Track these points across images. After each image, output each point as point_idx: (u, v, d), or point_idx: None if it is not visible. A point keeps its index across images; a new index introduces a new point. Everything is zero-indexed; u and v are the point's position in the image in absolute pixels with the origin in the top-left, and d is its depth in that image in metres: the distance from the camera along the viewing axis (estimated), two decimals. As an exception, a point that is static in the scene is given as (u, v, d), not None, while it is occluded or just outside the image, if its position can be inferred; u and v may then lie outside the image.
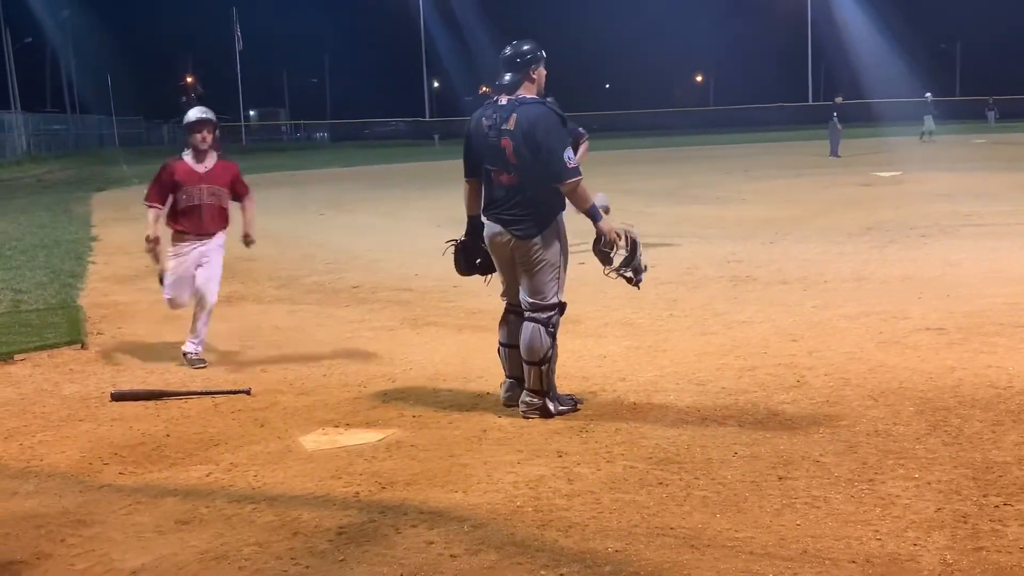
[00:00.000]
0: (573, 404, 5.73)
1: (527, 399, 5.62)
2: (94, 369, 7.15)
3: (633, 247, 5.75)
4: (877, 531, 3.91)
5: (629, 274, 5.80)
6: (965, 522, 3.97)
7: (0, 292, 10.41)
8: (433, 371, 6.76)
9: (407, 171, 34.85)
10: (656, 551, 3.80)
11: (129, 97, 78.91)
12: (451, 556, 3.82)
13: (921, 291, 8.89)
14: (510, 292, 5.81)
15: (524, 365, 5.63)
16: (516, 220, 5.52)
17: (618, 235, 5.65)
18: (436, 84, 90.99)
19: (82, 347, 7.79)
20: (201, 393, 6.32)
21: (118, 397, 6.29)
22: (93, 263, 12.86)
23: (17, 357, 7.45)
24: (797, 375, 6.23)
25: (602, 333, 7.77)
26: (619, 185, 23.79)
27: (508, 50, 5.60)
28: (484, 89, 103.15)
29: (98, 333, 8.36)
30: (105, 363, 7.32)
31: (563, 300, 5.66)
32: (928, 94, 38.42)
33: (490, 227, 5.67)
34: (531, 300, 5.58)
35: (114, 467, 5.06)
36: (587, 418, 5.53)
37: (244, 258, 13.20)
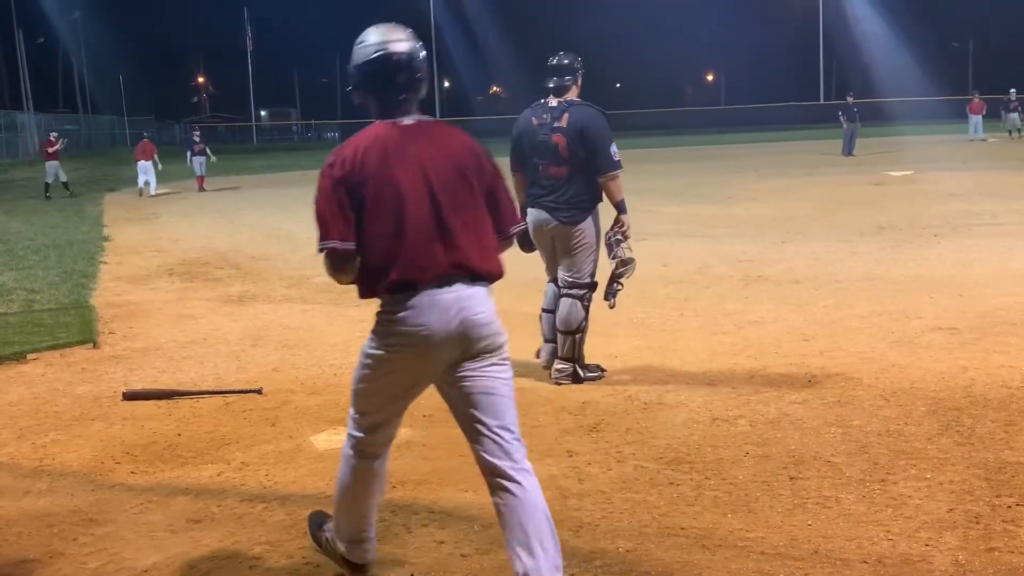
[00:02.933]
0: (600, 372, 6.38)
1: (559, 366, 6.29)
2: (106, 368, 7.18)
3: (629, 261, 6.38)
4: (889, 531, 3.89)
5: (620, 271, 6.38)
6: (977, 522, 3.96)
7: (13, 292, 10.45)
8: (444, 370, 6.75)
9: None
10: (667, 551, 3.80)
11: (141, 97, 79.27)
12: (462, 555, 3.83)
13: (933, 291, 8.86)
14: (551, 270, 6.51)
15: (559, 335, 6.31)
16: (561, 208, 6.18)
17: (628, 236, 6.33)
18: (447, 84, 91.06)
19: (94, 346, 7.82)
20: (213, 392, 6.33)
21: (130, 396, 6.32)
22: (105, 263, 12.91)
23: (30, 356, 7.48)
24: (808, 375, 6.21)
25: (612, 332, 7.75)
26: (630, 184, 23.69)
27: (555, 60, 6.34)
28: (495, 89, 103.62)
29: (110, 332, 8.38)
30: (117, 362, 7.34)
31: (595, 280, 6.32)
32: (1012, 90, 37.63)
33: (535, 214, 6.28)
34: (570, 279, 6.28)
35: (126, 466, 5.08)
36: (598, 418, 5.53)
37: (255, 258, 13.26)
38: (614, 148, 6.17)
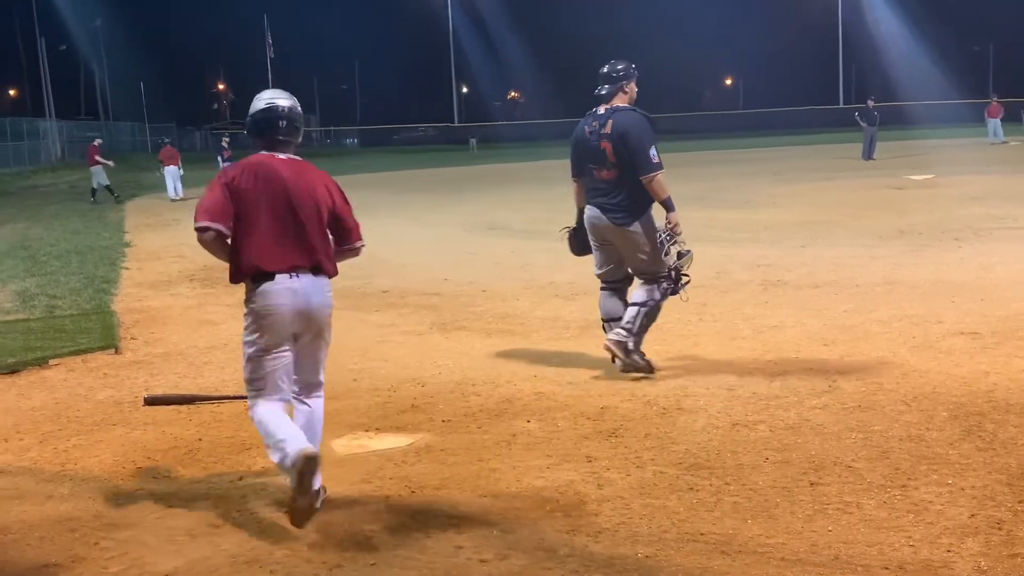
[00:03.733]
0: (649, 367, 6.50)
1: (617, 331, 6.47)
2: (127, 374, 7.22)
3: (685, 254, 6.63)
4: (910, 537, 3.87)
5: (679, 264, 6.60)
6: (1000, 528, 3.93)
7: (35, 297, 10.53)
8: (462, 376, 6.77)
9: (437, 176, 34.93)
10: (686, 557, 3.79)
11: (162, 104, 79.69)
12: (480, 561, 3.83)
13: (955, 295, 8.80)
14: (604, 271, 6.78)
15: (630, 307, 6.53)
16: (615, 209, 6.47)
17: (678, 232, 6.53)
18: (465, 89, 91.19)
19: (116, 352, 7.87)
20: (234, 398, 6.36)
21: (151, 402, 6.35)
22: (126, 269, 12.99)
23: (52, 362, 7.54)
24: (829, 380, 6.18)
25: (632, 338, 7.74)
26: (648, 189, 23.75)
27: (606, 67, 6.63)
28: (513, 94, 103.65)
29: (131, 338, 8.43)
30: (138, 368, 7.39)
31: (670, 268, 6.59)
32: None
33: (591, 211, 6.62)
34: (650, 276, 6.57)
35: (147, 471, 5.11)
36: (616, 423, 5.52)
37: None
38: (653, 151, 6.38)
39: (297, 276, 4.39)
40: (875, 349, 6.95)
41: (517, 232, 16.18)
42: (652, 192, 6.41)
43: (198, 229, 4.39)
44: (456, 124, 77.88)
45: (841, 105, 70.42)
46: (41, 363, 7.47)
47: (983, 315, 7.85)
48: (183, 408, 6.24)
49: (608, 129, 6.43)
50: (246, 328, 4.46)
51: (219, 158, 28.96)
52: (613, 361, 6.54)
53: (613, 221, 6.49)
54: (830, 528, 4.00)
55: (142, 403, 6.34)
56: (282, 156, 4.49)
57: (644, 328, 6.51)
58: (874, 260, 11.22)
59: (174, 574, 3.86)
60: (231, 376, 7.07)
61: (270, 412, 4.40)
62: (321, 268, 4.50)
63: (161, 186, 28.43)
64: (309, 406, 4.64)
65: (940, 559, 3.69)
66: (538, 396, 6.16)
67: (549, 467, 4.86)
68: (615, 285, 6.78)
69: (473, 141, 61.50)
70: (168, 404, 6.32)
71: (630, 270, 6.70)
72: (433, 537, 4.07)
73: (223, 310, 9.75)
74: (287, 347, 4.44)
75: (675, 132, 64.29)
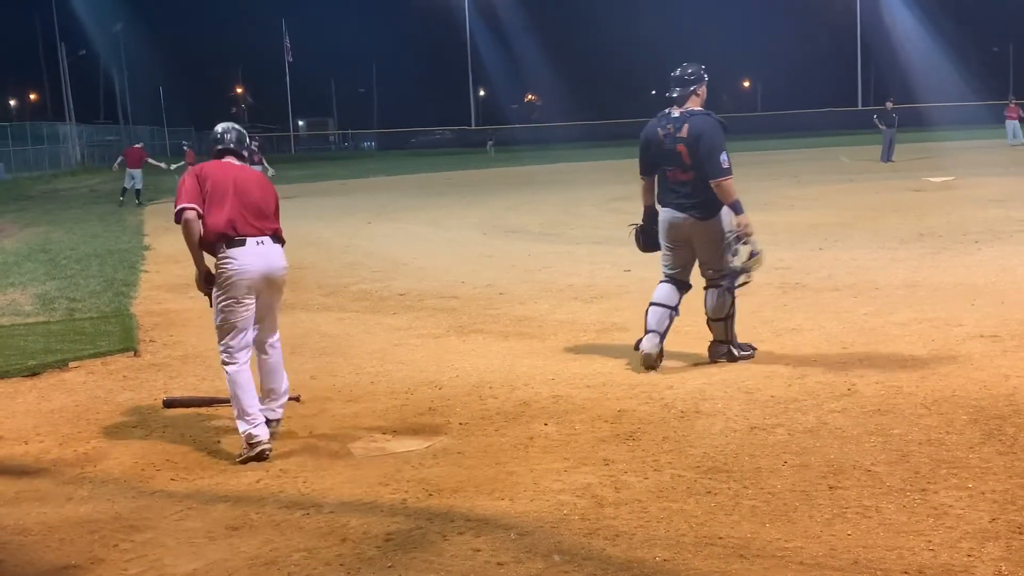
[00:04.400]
0: (752, 350, 6.96)
1: (716, 347, 6.92)
2: (147, 376, 7.26)
3: (756, 254, 6.83)
4: (930, 541, 3.85)
5: (747, 265, 6.81)
6: (1021, 533, 3.90)
7: (55, 300, 10.60)
8: (479, 378, 6.77)
9: (454, 179, 34.99)
10: (704, 561, 3.78)
11: (180, 108, 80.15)
12: (498, 564, 3.83)
13: (975, 298, 8.75)
14: (674, 272, 7.02)
15: (710, 323, 6.93)
16: (694, 207, 6.74)
17: (749, 233, 6.71)
18: (482, 93, 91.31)
19: (135, 355, 7.91)
20: None
21: (170, 404, 6.38)
22: (145, 272, 13.06)
23: (72, 364, 7.58)
24: (848, 383, 6.15)
25: (649, 340, 7.73)
26: (666, 192, 23.69)
27: (678, 71, 6.85)
28: (530, 97, 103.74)
29: (151, 341, 8.48)
30: (157, 370, 7.43)
31: (739, 269, 6.86)
32: None
33: (668, 213, 6.89)
34: (713, 273, 6.86)
35: (166, 473, 5.13)
36: (634, 426, 5.51)
37: (293, 267, 13.32)
38: (724, 156, 6.61)
39: (262, 242, 5.47)
40: (894, 352, 6.91)
41: (535, 235, 16.18)
42: (720, 195, 6.63)
43: (182, 210, 5.41)
44: (473, 127, 77.99)
45: (860, 107, 70.13)
46: (61, 365, 7.51)
47: (1003, 318, 7.80)
48: (202, 411, 6.26)
49: (684, 133, 6.67)
50: (219, 285, 5.43)
51: (252, 160, 29.06)
52: (646, 365, 6.76)
53: (693, 216, 6.76)
54: (849, 532, 3.98)
55: (161, 406, 6.37)
56: (236, 163, 5.78)
57: (732, 328, 6.93)
58: (893, 263, 11.16)
59: (193, 576, 3.88)
60: (249, 379, 7.09)
61: (248, 383, 5.42)
62: (279, 236, 5.63)
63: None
64: (270, 355, 5.75)
65: (960, 564, 3.66)
66: (555, 399, 6.16)
67: (566, 470, 4.86)
68: (678, 283, 7.03)
69: (491, 144, 61.37)
70: (187, 407, 6.35)
71: (700, 266, 6.94)
72: (450, 540, 4.07)
73: (241, 313, 9.78)
74: (252, 300, 5.46)
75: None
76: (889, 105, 33.12)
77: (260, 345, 5.70)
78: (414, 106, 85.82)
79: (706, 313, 6.93)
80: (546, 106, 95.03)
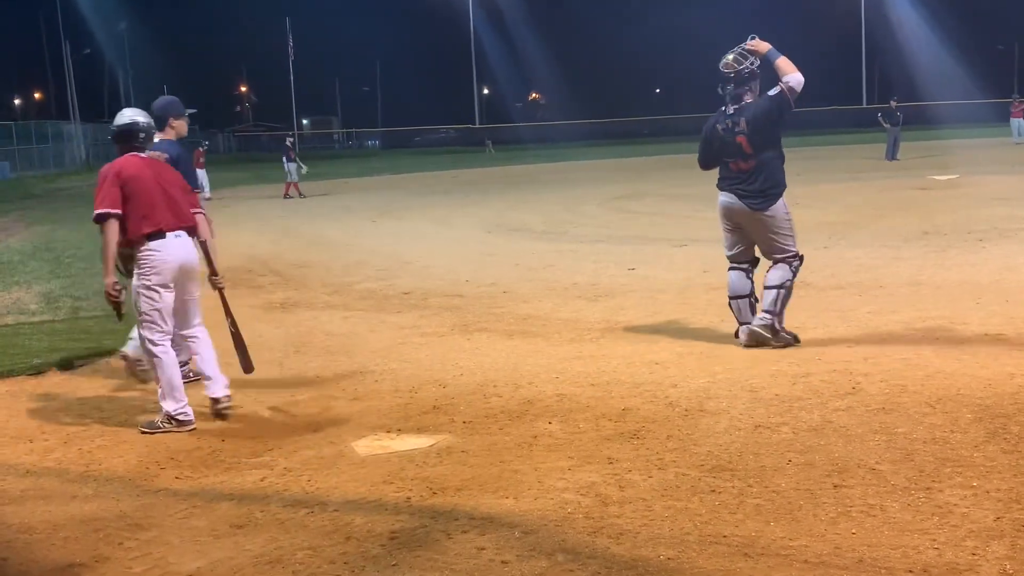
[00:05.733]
0: (794, 338, 7.20)
1: (761, 316, 7.20)
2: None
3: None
4: (934, 540, 3.84)
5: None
6: (1026, 532, 3.89)
7: (60, 299, 10.62)
8: (483, 377, 6.77)
9: (458, 178, 34.99)
10: (709, 559, 3.77)
11: (185, 106, 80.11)
12: (502, 562, 3.83)
13: (979, 296, 8.73)
14: (734, 252, 7.42)
15: (766, 291, 7.20)
16: (752, 195, 7.17)
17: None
18: (486, 91, 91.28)
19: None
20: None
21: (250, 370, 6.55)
22: (150, 270, 13.06)
23: (77, 363, 7.59)
24: (852, 381, 6.14)
25: (653, 339, 7.73)
26: (670, 190, 23.66)
27: (732, 72, 7.29)
28: (534, 95, 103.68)
29: (155, 339, 8.47)
30: (162, 369, 7.42)
31: (800, 253, 7.32)
32: None
33: (727, 197, 7.33)
34: (779, 257, 7.25)
35: (170, 471, 5.14)
36: (638, 424, 5.51)
37: (297, 265, 13.37)
38: (773, 90, 7.23)
39: (180, 235, 5.95)
40: (899, 350, 6.90)
41: (538, 233, 16.18)
42: (789, 71, 7.25)
43: (102, 216, 5.82)
44: (477, 126, 77.97)
45: (864, 105, 69.98)
46: (66, 365, 7.53)
47: (1008, 316, 7.78)
48: (206, 409, 6.27)
49: (743, 126, 7.19)
50: (142, 274, 5.87)
51: (284, 159, 29.17)
52: (747, 345, 7.18)
53: (750, 206, 7.17)
54: (854, 531, 3.97)
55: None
56: (144, 156, 6.10)
57: (783, 307, 7.20)
58: (898, 261, 11.15)
59: (197, 574, 3.88)
60: (254, 376, 7.10)
61: (175, 363, 5.94)
62: (194, 230, 6.11)
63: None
64: (198, 336, 6.19)
65: (965, 562, 3.66)
66: (560, 397, 6.16)
67: (571, 468, 4.86)
68: (743, 266, 7.40)
69: (489, 143, 61.60)
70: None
71: (761, 252, 7.35)
72: (454, 538, 4.07)
73: (246, 311, 9.79)
74: (171, 288, 5.92)
75: (698, 132, 64.09)
76: (894, 103, 33.08)
77: (184, 331, 6.16)
78: (418, 105, 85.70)
79: (765, 284, 7.28)
80: (550, 104, 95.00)
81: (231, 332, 6.50)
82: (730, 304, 7.45)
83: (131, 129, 6.13)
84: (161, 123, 6.96)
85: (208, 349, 6.18)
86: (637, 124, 74.82)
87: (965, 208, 16.38)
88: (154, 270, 5.84)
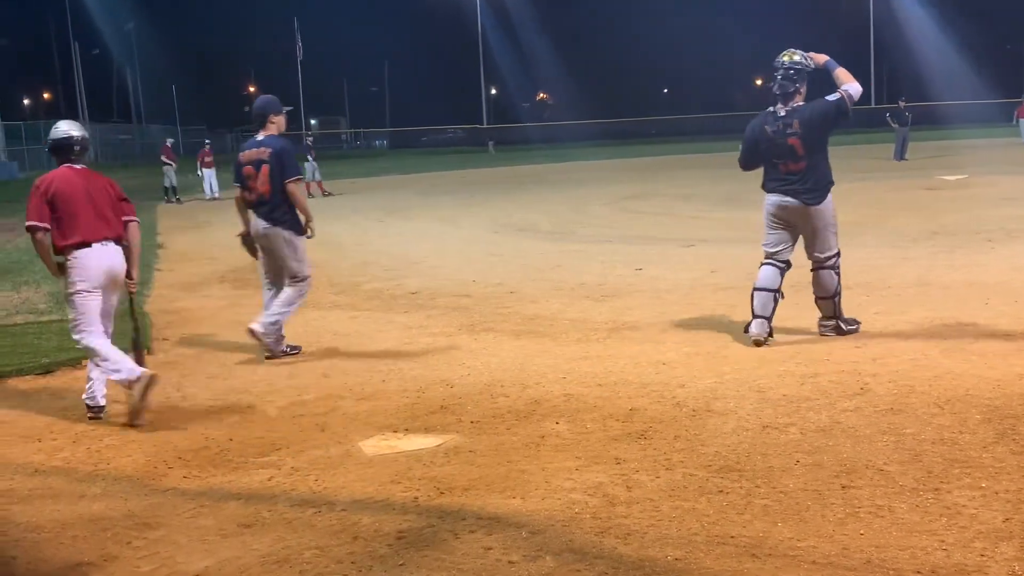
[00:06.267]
0: (857, 324, 7.56)
1: (824, 323, 7.56)
2: (160, 374, 7.27)
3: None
4: (943, 541, 3.83)
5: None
6: (1035, 533, 3.88)
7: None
8: (491, 377, 6.77)
9: (465, 178, 34.99)
10: (716, 560, 3.77)
11: (193, 107, 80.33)
12: (509, 562, 3.83)
13: (988, 296, 8.71)
14: (777, 249, 7.55)
15: (818, 301, 7.55)
16: (805, 192, 7.31)
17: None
18: (493, 91, 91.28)
19: (148, 353, 7.92)
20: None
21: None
22: (159, 270, 13.11)
23: (85, 362, 7.59)
24: (860, 382, 6.13)
25: (661, 339, 7.73)
26: (678, 190, 23.65)
27: (782, 71, 7.38)
28: (542, 95, 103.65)
29: (164, 339, 8.51)
30: (170, 368, 7.45)
31: (839, 250, 7.50)
32: None
33: (777, 197, 7.46)
34: (821, 255, 7.44)
35: (178, 471, 5.15)
36: (646, 425, 5.51)
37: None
38: (831, 96, 7.34)
39: (105, 245, 6.24)
40: (907, 351, 6.88)
41: (545, 233, 16.18)
42: (847, 81, 7.42)
43: (30, 229, 6.15)
44: (484, 126, 77.99)
45: (872, 105, 69.77)
46: (75, 363, 7.54)
47: (1017, 317, 7.76)
48: (214, 409, 6.29)
49: (795, 127, 7.27)
50: (70, 282, 6.18)
51: (308, 157, 29.36)
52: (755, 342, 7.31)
53: (805, 202, 7.31)
54: (862, 532, 3.96)
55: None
56: (78, 167, 6.36)
57: (840, 304, 7.49)
58: (906, 261, 11.13)
59: (205, 574, 3.89)
60: (261, 376, 7.12)
61: (104, 342, 6.28)
62: (120, 240, 6.38)
63: (192, 188, 28.72)
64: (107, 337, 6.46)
65: (973, 563, 3.65)
66: (567, 398, 6.15)
67: (578, 469, 4.86)
68: (780, 264, 7.54)
69: (491, 143, 61.82)
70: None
71: (807, 248, 7.49)
72: (462, 538, 4.07)
73: (254, 311, 9.79)
74: (98, 293, 6.23)
75: (706, 133, 64.09)
76: (902, 103, 32.99)
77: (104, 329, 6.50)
78: (425, 105, 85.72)
79: (815, 293, 7.51)
80: (558, 104, 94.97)
81: (133, 332, 6.73)
82: (753, 294, 7.45)
83: (66, 143, 6.37)
84: (262, 120, 7.86)
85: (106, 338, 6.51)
86: (645, 124, 74.81)
87: (973, 208, 16.33)
88: (80, 277, 6.16)
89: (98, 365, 6.24)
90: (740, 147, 7.78)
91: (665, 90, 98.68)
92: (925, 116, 49.17)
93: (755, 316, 7.38)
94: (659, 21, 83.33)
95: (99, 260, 6.19)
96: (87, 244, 6.17)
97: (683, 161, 38.29)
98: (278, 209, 7.73)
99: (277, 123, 7.88)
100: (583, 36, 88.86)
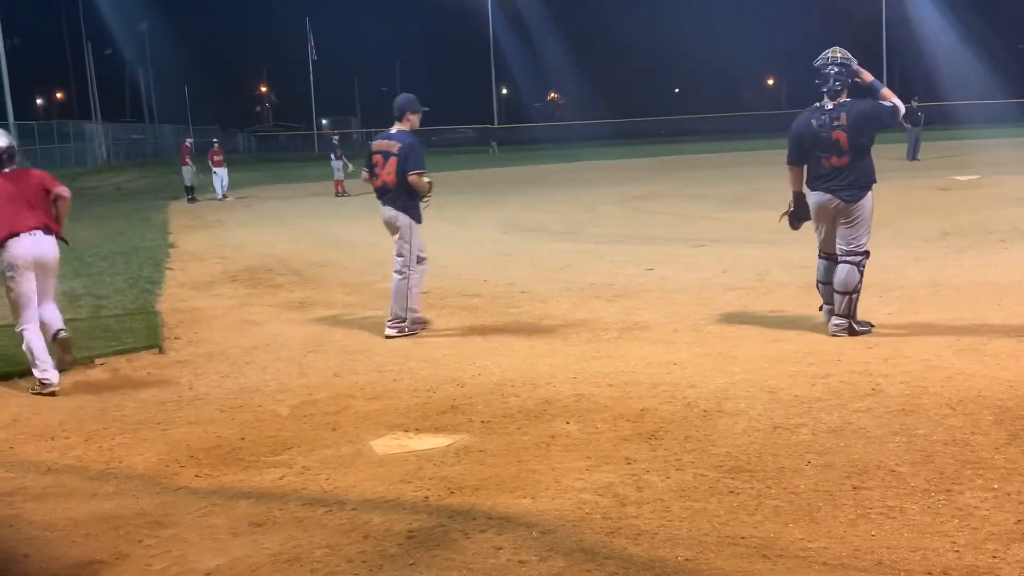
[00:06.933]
0: (870, 326, 7.55)
1: (836, 322, 7.51)
2: (172, 373, 7.31)
3: None
4: (955, 543, 3.82)
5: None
6: (1047, 535, 3.86)
7: (81, 298, 10.69)
8: (501, 377, 6.78)
9: (474, 177, 34.99)
10: (727, 560, 3.76)
11: (205, 107, 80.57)
12: (520, 562, 3.83)
13: (1000, 297, 8.68)
14: (827, 243, 7.69)
15: (836, 295, 7.51)
16: (846, 188, 7.44)
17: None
18: (504, 91, 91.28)
19: (160, 352, 7.96)
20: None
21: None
22: (170, 269, 13.14)
23: (97, 361, 7.64)
24: (872, 383, 6.12)
25: (672, 339, 7.72)
26: (688, 190, 23.62)
27: (831, 68, 7.50)
28: (553, 95, 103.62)
29: (175, 338, 8.53)
30: (182, 367, 7.48)
31: (869, 250, 7.60)
32: None
33: (819, 196, 7.59)
34: (847, 248, 7.53)
35: (190, 470, 5.17)
36: (656, 425, 5.50)
37: (316, 264, 13.41)
38: (884, 105, 7.45)
39: (33, 234, 6.93)
40: (919, 352, 6.86)
41: (555, 233, 16.17)
42: (890, 97, 7.53)
43: None
44: (495, 126, 77.96)
45: (885, 105, 69.43)
46: (87, 362, 7.58)
47: (1030, 318, 7.73)
48: (226, 408, 6.30)
49: (842, 121, 7.38)
50: (5, 268, 6.90)
51: (331, 156, 29.96)
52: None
53: (843, 199, 7.44)
54: (873, 533, 3.95)
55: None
56: (6, 171, 7.10)
57: (856, 304, 7.51)
58: (918, 262, 11.09)
59: (216, 572, 3.90)
60: (272, 376, 7.13)
61: (39, 339, 6.94)
62: (49, 229, 7.05)
63: (203, 188, 28.80)
64: (44, 314, 7.09)
65: (985, 565, 3.63)
66: (577, 398, 6.15)
67: (588, 469, 4.86)
68: (832, 256, 7.64)
69: (494, 144, 62.16)
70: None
71: (839, 244, 7.57)
72: (472, 538, 4.08)
73: (265, 310, 9.84)
74: (32, 275, 6.94)
75: (716, 132, 64.01)
76: (915, 103, 32.86)
77: (41, 308, 7.09)
78: (436, 104, 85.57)
79: (834, 287, 7.52)
80: (569, 104, 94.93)
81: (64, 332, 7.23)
82: (818, 286, 7.81)
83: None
84: (400, 115, 8.70)
85: (39, 335, 7.07)
86: (655, 124, 74.73)
87: (986, 209, 16.27)
88: (14, 263, 6.90)
89: (25, 353, 6.93)
90: (786, 144, 7.91)
91: (676, 90, 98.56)
92: (938, 116, 48.96)
93: (825, 304, 7.73)
94: (670, 21, 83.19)
95: (28, 248, 6.91)
96: (16, 234, 6.91)
97: (693, 161, 38.22)
98: (400, 198, 8.70)
99: (412, 120, 8.71)
100: (594, 36, 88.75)
